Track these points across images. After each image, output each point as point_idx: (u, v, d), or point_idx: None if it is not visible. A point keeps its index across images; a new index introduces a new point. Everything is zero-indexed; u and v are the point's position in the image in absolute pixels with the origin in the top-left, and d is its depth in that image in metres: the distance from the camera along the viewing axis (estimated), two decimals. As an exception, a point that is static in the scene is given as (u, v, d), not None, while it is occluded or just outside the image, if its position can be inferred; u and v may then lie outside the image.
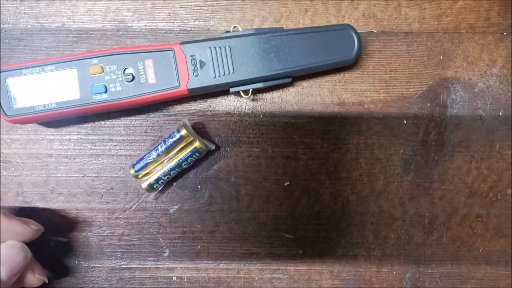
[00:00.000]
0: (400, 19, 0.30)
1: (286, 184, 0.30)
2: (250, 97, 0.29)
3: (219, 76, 0.27)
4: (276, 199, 0.30)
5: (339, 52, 0.28)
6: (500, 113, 0.30)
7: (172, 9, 0.30)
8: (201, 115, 0.30)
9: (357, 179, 0.30)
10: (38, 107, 0.26)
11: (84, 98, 0.27)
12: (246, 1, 0.30)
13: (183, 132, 0.27)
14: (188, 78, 0.27)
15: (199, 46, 0.27)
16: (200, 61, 0.27)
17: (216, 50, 0.27)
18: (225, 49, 0.27)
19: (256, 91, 0.30)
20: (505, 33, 0.30)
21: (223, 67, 0.27)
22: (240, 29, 0.28)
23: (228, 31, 0.28)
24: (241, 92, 0.28)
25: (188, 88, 0.27)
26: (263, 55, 0.27)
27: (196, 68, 0.27)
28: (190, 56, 0.27)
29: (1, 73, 0.26)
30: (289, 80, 0.28)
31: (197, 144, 0.28)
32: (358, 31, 0.30)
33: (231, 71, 0.27)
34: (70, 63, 0.27)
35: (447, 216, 0.31)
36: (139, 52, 0.27)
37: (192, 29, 0.30)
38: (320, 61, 0.28)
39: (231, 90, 0.28)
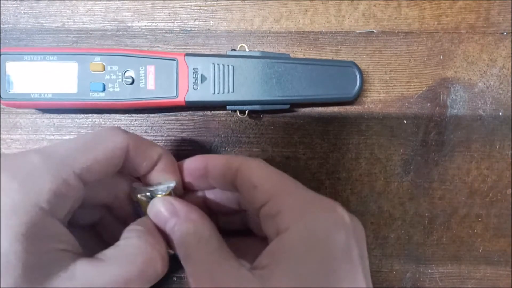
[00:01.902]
0: (400, 19, 0.30)
1: (286, 184, 0.30)
2: (245, 116, 0.29)
3: (218, 93, 0.27)
4: (276, 199, 0.30)
5: (340, 88, 0.28)
6: (500, 113, 0.30)
7: (172, 9, 0.30)
8: (201, 115, 0.30)
9: (357, 179, 0.30)
10: (34, 94, 0.27)
11: (80, 93, 0.27)
12: (246, 1, 0.30)
13: (136, 198, 0.23)
14: (187, 90, 0.27)
15: (203, 60, 0.27)
16: (202, 75, 0.27)
17: (219, 67, 0.27)
18: (228, 67, 0.27)
19: (252, 111, 0.30)
20: (505, 33, 0.30)
21: (224, 84, 0.27)
22: (247, 49, 0.29)
23: (234, 49, 0.28)
24: (237, 111, 0.28)
25: (186, 100, 0.27)
26: (265, 79, 0.28)
27: (196, 81, 0.27)
28: (193, 69, 0.27)
29: (1, 56, 0.26)
30: (287, 107, 0.28)
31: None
32: (358, 31, 0.30)
33: (231, 90, 0.27)
34: (73, 56, 0.27)
35: (447, 216, 0.31)
36: (142, 56, 0.27)
37: (192, 29, 0.30)
38: (320, 94, 0.28)
39: (228, 108, 0.28)
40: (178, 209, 0.21)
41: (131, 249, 0.20)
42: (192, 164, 0.24)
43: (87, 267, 0.18)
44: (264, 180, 0.21)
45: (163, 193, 0.22)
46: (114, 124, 0.30)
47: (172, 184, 0.23)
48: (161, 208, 0.22)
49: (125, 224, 0.22)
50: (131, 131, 0.29)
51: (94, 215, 0.24)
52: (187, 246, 0.20)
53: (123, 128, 0.29)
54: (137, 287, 0.19)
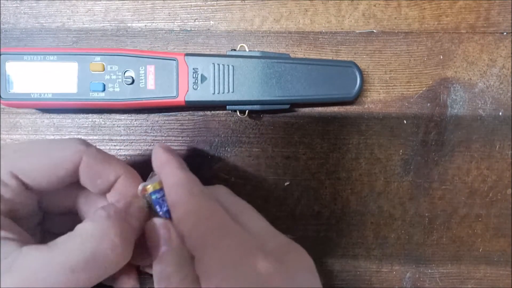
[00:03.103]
0: (400, 19, 0.30)
1: (286, 184, 0.30)
2: (245, 116, 0.29)
3: (218, 93, 0.27)
4: (276, 199, 0.30)
5: (340, 88, 0.28)
6: (500, 113, 0.30)
7: (172, 9, 0.30)
8: (201, 115, 0.30)
9: (357, 179, 0.30)
10: (34, 94, 0.27)
11: (80, 93, 0.27)
12: (246, 1, 0.30)
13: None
14: (187, 90, 0.27)
15: (203, 60, 0.27)
16: (202, 75, 0.27)
17: (219, 67, 0.27)
18: (229, 67, 0.27)
19: (252, 111, 0.30)
20: (505, 33, 0.30)
21: (224, 84, 0.27)
22: (247, 49, 0.29)
23: (234, 49, 0.28)
24: (237, 111, 0.28)
25: (186, 100, 0.27)
26: (265, 79, 0.27)
27: (196, 81, 0.27)
28: (193, 68, 0.27)
29: (1, 56, 0.26)
30: (287, 107, 0.28)
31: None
32: (358, 31, 0.30)
33: (231, 90, 0.27)
34: (73, 56, 0.27)
35: (447, 216, 0.31)
36: (142, 56, 0.27)
37: (192, 29, 0.30)
38: (320, 94, 0.28)
39: (228, 107, 0.28)
40: (173, 238, 0.22)
41: (82, 236, 0.19)
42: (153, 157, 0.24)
43: (32, 253, 0.18)
44: (191, 233, 0.20)
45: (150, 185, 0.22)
46: (114, 124, 0.30)
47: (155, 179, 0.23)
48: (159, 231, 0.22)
49: None
50: (131, 131, 0.30)
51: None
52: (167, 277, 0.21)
53: (123, 127, 0.30)
54: (87, 276, 0.18)
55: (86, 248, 0.18)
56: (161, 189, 0.22)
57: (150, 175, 0.24)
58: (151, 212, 0.23)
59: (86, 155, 0.21)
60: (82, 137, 0.30)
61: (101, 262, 0.19)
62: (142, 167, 0.30)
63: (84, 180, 0.22)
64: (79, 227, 0.19)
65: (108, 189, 0.23)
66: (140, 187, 0.23)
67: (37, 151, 0.20)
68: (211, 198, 0.21)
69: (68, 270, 0.18)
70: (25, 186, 0.20)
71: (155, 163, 0.23)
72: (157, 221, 0.22)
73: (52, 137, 0.30)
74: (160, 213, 0.22)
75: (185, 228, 0.20)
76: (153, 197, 0.22)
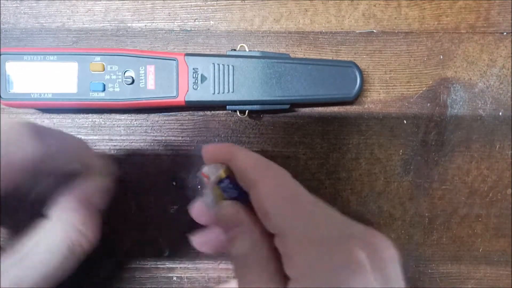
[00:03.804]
0: (400, 19, 0.30)
1: (286, 184, 0.30)
2: (245, 116, 0.29)
3: (218, 93, 0.27)
4: (276, 199, 0.30)
5: (340, 88, 0.28)
6: (500, 113, 0.30)
7: (172, 9, 0.30)
8: (201, 115, 0.30)
9: (357, 179, 0.30)
10: (34, 94, 0.27)
11: (80, 93, 0.27)
12: (246, 1, 0.30)
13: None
14: (187, 90, 0.27)
15: (203, 60, 0.27)
16: (202, 75, 0.27)
17: (219, 67, 0.27)
18: (229, 67, 0.27)
19: (252, 111, 0.29)
20: (505, 33, 0.30)
21: (224, 84, 0.27)
22: (247, 49, 0.29)
23: (234, 49, 0.28)
24: (237, 111, 0.28)
25: (186, 100, 0.27)
26: (265, 80, 0.28)
27: (196, 81, 0.27)
28: (193, 68, 0.27)
29: (1, 56, 0.26)
30: (287, 107, 0.28)
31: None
32: (358, 31, 0.30)
33: (231, 90, 0.27)
34: (73, 56, 0.27)
35: (447, 216, 0.31)
36: (142, 56, 0.27)
37: (192, 29, 0.30)
38: (320, 94, 0.28)
39: (228, 107, 0.28)
40: (244, 218, 0.21)
41: (50, 242, 0.20)
42: (215, 150, 0.23)
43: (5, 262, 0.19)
44: (276, 211, 0.19)
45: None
46: (114, 124, 0.30)
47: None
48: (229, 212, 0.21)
49: None
50: (131, 131, 0.29)
51: None
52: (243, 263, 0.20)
53: (123, 127, 0.30)
54: (66, 269, 0.20)
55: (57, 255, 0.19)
56: (227, 177, 0.22)
57: (201, 170, 0.23)
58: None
59: (41, 150, 0.20)
60: (82, 137, 0.30)
61: (76, 254, 0.20)
62: (143, 167, 0.30)
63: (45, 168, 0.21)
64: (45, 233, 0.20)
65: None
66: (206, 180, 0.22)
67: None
68: (291, 177, 0.21)
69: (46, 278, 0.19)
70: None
71: (217, 155, 0.22)
72: (226, 203, 0.21)
73: (52, 137, 0.30)
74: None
75: (271, 204, 0.19)
76: (221, 185, 0.22)
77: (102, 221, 0.22)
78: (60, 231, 0.20)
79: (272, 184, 0.20)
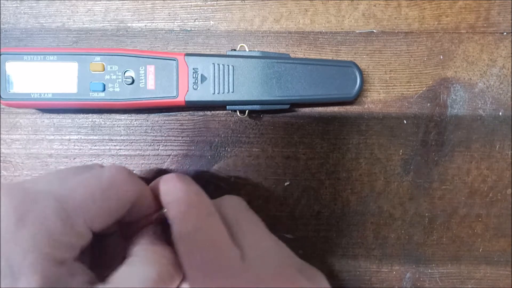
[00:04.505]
0: (400, 19, 0.30)
1: (286, 184, 0.30)
2: (245, 116, 0.29)
3: (218, 93, 0.27)
4: (276, 199, 0.30)
5: (341, 88, 0.28)
6: (500, 113, 0.30)
7: (172, 9, 0.30)
8: (201, 115, 0.30)
9: (357, 179, 0.30)
10: (34, 94, 0.27)
11: (80, 93, 0.27)
12: (246, 1, 0.30)
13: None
14: (187, 90, 0.27)
15: (203, 60, 0.27)
16: (202, 75, 0.27)
17: (219, 67, 0.27)
18: (228, 67, 0.27)
19: (252, 111, 0.30)
20: (505, 33, 0.30)
21: (224, 84, 0.27)
22: (247, 49, 0.29)
23: (234, 49, 0.28)
24: (237, 111, 0.28)
25: (186, 100, 0.27)
26: (265, 79, 0.27)
27: (196, 81, 0.27)
28: (193, 68, 0.27)
29: (1, 56, 0.26)
30: (287, 107, 0.28)
31: None
32: (358, 31, 0.30)
33: (231, 90, 0.27)
34: (73, 56, 0.27)
35: (447, 216, 0.31)
36: (142, 56, 0.27)
37: (192, 29, 0.30)
38: (320, 94, 0.28)
39: (228, 107, 0.28)
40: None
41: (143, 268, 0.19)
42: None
43: None
44: (186, 257, 0.20)
45: None
46: (114, 124, 0.30)
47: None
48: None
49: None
50: (131, 131, 0.30)
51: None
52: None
53: (123, 127, 0.30)
54: None
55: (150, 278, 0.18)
56: None
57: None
58: None
59: (140, 192, 0.21)
60: (82, 137, 0.30)
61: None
62: (142, 168, 0.30)
63: (130, 213, 0.21)
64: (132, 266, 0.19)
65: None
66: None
67: (104, 197, 0.19)
68: (211, 214, 0.21)
69: None
70: (94, 230, 0.19)
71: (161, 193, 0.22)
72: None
73: (52, 137, 0.30)
74: None
75: (181, 249, 0.20)
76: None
77: None
78: (145, 262, 0.19)
79: (187, 226, 0.20)
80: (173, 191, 0.21)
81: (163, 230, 0.22)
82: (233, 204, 0.24)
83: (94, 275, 0.19)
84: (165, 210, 0.22)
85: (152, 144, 0.30)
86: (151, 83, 0.27)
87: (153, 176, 0.30)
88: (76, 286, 0.17)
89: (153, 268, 0.19)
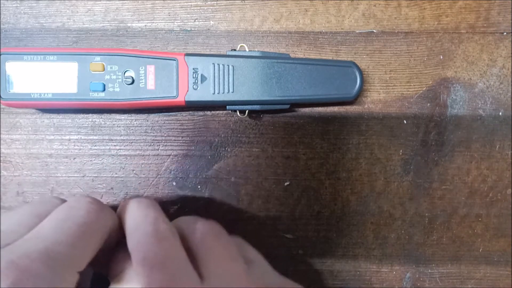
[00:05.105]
0: (400, 19, 0.30)
1: (286, 184, 0.30)
2: (245, 116, 0.29)
3: (218, 93, 0.27)
4: (276, 199, 0.30)
5: (341, 88, 0.28)
6: (500, 113, 0.30)
7: (172, 9, 0.30)
8: (201, 115, 0.30)
9: (357, 179, 0.30)
10: (34, 94, 0.27)
11: (80, 93, 0.27)
12: (246, 1, 0.30)
13: None
14: (187, 90, 0.27)
15: (203, 60, 0.27)
16: (202, 75, 0.27)
17: (219, 67, 0.27)
18: (228, 67, 0.27)
19: (252, 111, 0.30)
20: (505, 33, 0.30)
21: (224, 84, 0.27)
22: (247, 49, 0.29)
23: (234, 49, 0.28)
24: (237, 111, 0.28)
25: (186, 100, 0.27)
26: (265, 79, 0.27)
27: (196, 81, 0.27)
28: (193, 68, 0.27)
29: (1, 56, 0.26)
30: (287, 107, 0.28)
31: None
32: (358, 31, 0.30)
33: (231, 90, 0.27)
34: (73, 56, 0.27)
35: (447, 216, 0.31)
36: (142, 56, 0.27)
37: (192, 29, 0.30)
38: (320, 94, 0.28)
39: (228, 107, 0.28)
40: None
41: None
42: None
43: None
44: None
45: None
46: (114, 124, 0.30)
47: None
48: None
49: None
50: (131, 131, 0.30)
51: None
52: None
53: (123, 127, 0.30)
54: None
55: None
56: None
57: None
58: None
59: (112, 218, 0.21)
60: (82, 137, 0.30)
61: None
62: (142, 168, 0.30)
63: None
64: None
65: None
66: None
67: (88, 241, 0.19)
68: (166, 239, 0.20)
69: None
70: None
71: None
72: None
73: (52, 137, 0.30)
74: None
75: (140, 272, 0.19)
76: None
77: None
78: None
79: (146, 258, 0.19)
80: (131, 220, 0.21)
81: None
82: (203, 230, 0.23)
83: None
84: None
85: (152, 144, 0.30)
86: (151, 83, 0.27)
87: (153, 176, 0.30)
88: None
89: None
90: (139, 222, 0.21)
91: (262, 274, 0.23)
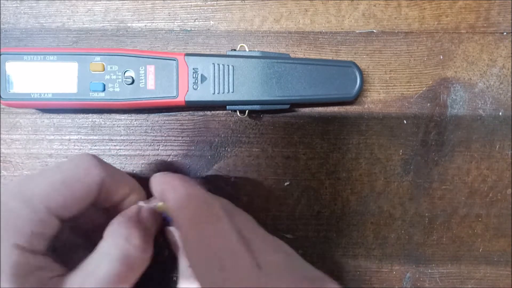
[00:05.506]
0: (400, 19, 0.30)
1: (286, 184, 0.30)
2: (245, 116, 0.29)
3: (218, 93, 0.27)
4: (276, 199, 0.30)
5: (341, 88, 0.28)
6: (500, 113, 0.30)
7: (172, 9, 0.30)
8: (201, 115, 0.30)
9: (357, 179, 0.30)
10: (34, 94, 0.27)
11: (80, 93, 0.27)
12: (246, 1, 0.30)
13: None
14: (187, 90, 0.27)
15: (203, 60, 0.27)
16: (202, 75, 0.27)
17: (219, 67, 0.27)
18: (228, 67, 0.27)
19: (252, 111, 0.30)
20: (505, 33, 0.30)
21: (224, 84, 0.27)
22: (247, 49, 0.29)
23: (234, 49, 0.28)
24: (237, 111, 0.28)
25: (186, 100, 0.27)
26: (265, 79, 0.27)
27: (196, 81, 0.27)
28: (193, 68, 0.27)
29: (1, 56, 0.26)
30: (287, 107, 0.28)
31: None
32: (358, 31, 0.30)
33: (231, 90, 0.27)
34: (73, 56, 0.27)
35: (447, 216, 0.31)
36: (142, 56, 0.27)
37: (192, 29, 0.30)
38: (320, 94, 0.28)
39: (228, 107, 0.28)
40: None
41: (107, 255, 0.20)
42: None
43: (75, 279, 0.19)
44: (197, 265, 0.21)
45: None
46: (114, 124, 0.30)
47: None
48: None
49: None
50: (131, 131, 0.30)
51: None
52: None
53: (123, 127, 0.30)
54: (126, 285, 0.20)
55: (115, 265, 0.20)
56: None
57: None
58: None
59: (106, 173, 0.22)
60: (82, 137, 0.30)
61: (132, 267, 0.21)
62: (142, 168, 0.30)
63: (103, 196, 0.22)
64: (102, 247, 0.21)
65: (122, 201, 0.24)
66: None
67: (67, 184, 0.20)
68: (221, 219, 0.21)
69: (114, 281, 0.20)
70: (61, 218, 0.20)
71: (158, 187, 0.24)
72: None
73: (52, 137, 0.30)
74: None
75: (190, 257, 0.21)
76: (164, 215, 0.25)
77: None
78: (112, 243, 0.21)
79: (194, 234, 0.21)
80: (179, 191, 0.22)
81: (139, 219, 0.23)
82: (243, 217, 0.24)
83: (66, 269, 0.20)
84: (160, 203, 0.23)
85: (152, 144, 0.30)
86: (151, 83, 0.27)
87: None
88: (46, 277, 0.19)
89: (118, 251, 0.20)
90: (187, 200, 0.22)
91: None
